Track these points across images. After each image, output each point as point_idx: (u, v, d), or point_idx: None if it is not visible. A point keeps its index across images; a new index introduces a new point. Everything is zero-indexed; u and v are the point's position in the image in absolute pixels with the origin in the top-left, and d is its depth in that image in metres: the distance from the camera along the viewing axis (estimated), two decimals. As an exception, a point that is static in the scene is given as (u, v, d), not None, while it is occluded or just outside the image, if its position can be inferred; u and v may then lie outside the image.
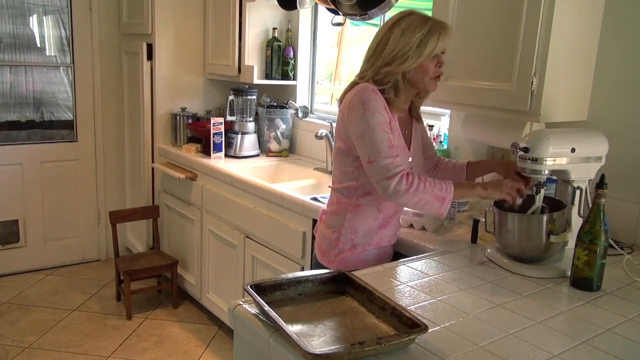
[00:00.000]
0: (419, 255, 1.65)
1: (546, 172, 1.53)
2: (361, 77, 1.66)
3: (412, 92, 1.68)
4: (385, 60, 1.59)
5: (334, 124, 2.88)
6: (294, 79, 3.28)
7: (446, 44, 1.60)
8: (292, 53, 3.23)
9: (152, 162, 3.51)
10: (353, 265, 1.70)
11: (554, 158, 1.52)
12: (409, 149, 1.74)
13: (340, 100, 1.72)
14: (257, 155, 3.26)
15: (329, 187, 1.82)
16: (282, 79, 3.27)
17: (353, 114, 1.60)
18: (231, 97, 3.25)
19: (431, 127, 2.40)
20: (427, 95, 1.74)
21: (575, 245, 1.42)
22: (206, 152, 3.20)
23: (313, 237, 1.87)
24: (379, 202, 1.70)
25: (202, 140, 3.28)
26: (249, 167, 3.05)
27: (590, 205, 1.41)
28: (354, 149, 1.65)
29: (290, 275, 1.29)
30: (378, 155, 1.56)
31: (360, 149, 1.61)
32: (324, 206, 1.84)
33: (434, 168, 1.90)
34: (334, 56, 4.09)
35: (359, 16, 2.57)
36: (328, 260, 1.76)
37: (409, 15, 1.60)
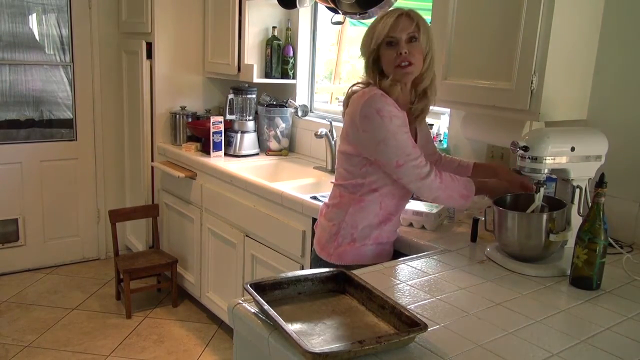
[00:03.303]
0: (419, 254, 1.65)
1: (546, 171, 1.53)
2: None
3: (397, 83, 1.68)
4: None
5: (334, 123, 2.90)
6: (294, 77, 3.27)
7: (387, 26, 1.60)
8: (291, 52, 3.23)
9: (152, 160, 3.51)
10: (351, 260, 1.71)
11: (554, 157, 1.52)
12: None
13: (346, 102, 1.72)
14: (257, 154, 3.26)
15: (332, 182, 1.83)
16: (282, 77, 3.26)
17: (368, 122, 1.60)
18: (231, 96, 3.25)
19: (431, 126, 2.40)
20: (426, 101, 1.74)
21: (575, 244, 1.42)
22: (206, 150, 3.19)
23: (313, 233, 1.88)
24: (382, 198, 1.70)
25: (201, 139, 3.28)
26: (248, 165, 3.05)
27: (590, 204, 1.41)
28: (364, 152, 1.66)
29: (290, 274, 1.29)
30: (407, 158, 1.59)
31: (384, 155, 1.61)
32: (326, 200, 1.85)
33: (436, 165, 1.90)
34: (333, 55, 4.08)
35: (359, 15, 2.57)
36: (327, 254, 1.76)
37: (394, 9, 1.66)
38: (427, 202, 1.88)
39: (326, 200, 1.86)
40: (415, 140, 1.76)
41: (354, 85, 1.72)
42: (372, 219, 1.72)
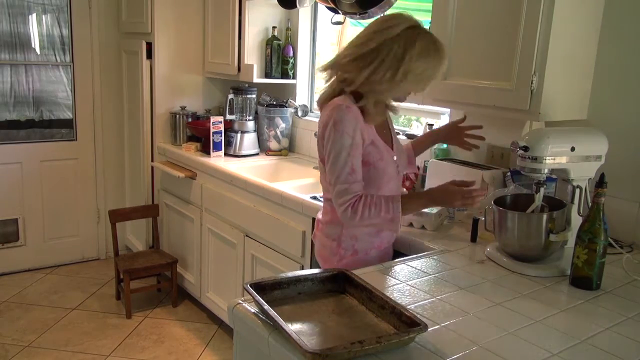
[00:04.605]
0: (419, 254, 1.65)
1: (546, 171, 1.53)
2: (348, 83, 1.58)
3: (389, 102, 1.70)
4: (384, 76, 1.52)
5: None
6: (294, 77, 3.28)
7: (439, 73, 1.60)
8: (291, 52, 3.23)
9: (152, 160, 3.51)
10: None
11: (554, 157, 1.52)
12: (392, 147, 1.73)
13: (320, 106, 1.69)
14: (257, 154, 3.26)
15: (320, 197, 1.81)
16: (282, 77, 3.26)
17: (327, 132, 1.58)
18: (231, 96, 3.25)
19: (431, 125, 2.40)
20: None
21: (575, 244, 1.42)
22: (206, 150, 3.19)
23: (313, 229, 1.87)
24: None
25: (201, 139, 3.28)
26: (248, 165, 3.05)
27: (590, 204, 1.41)
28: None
29: (290, 274, 1.29)
30: (337, 180, 1.58)
31: (328, 167, 1.60)
32: (319, 215, 1.81)
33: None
34: (333, 55, 4.08)
35: (359, 15, 2.57)
36: (331, 267, 1.75)
37: (425, 35, 1.53)
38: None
39: (319, 215, 1.82)
40: (391, 145, 1.73)
41: (328, 92, 1.65)
42: (369, 228, 1.72)
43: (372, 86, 1.55)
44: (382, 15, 1.69)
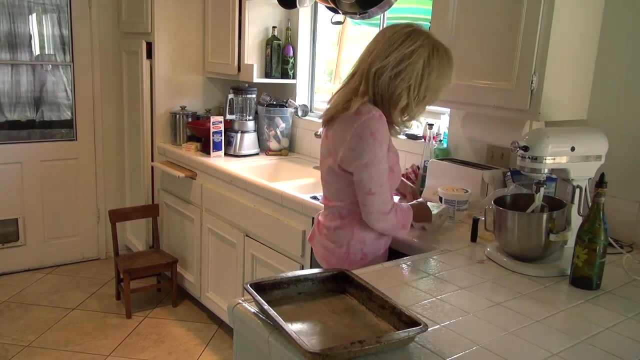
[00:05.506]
0: (419, 254, 1.65)
1: (546, 170, 1.53)
2: (362, 95, 1.58)
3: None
4: (407, 97, 1.57)
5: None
6: (294, 77, 3.28)
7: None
8: (291, 52, 3.23)
9: (152, 160, 3.51)
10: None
11: (554, 157, 1.52)
12: None
13: (330, 117, 1.66)
14: (257, 154, 3.26)
15: (322, 203, 1.79)
16: (282, 77, 3.26)
17: (360, 142, 1.56)
18: (231, 96, 3.25)
19: (431, 125, 2.40)
20: None
21: (575, 244, 1.42)
22: (206, 150, 3.20)
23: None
24: None
25: (201, 139, 3.28)
26: (248, 165, 3.05)
27: (590, 204, 1.41)
28: (347, 168, 1.62)
29: (290, 273, 1.29)
30: (380, 189, 1.59)
31: (361, 178, 1.59)
32: (322, 219, 1.79)
33: None
34: (334, 54, 4.09)
35: (359, 15, 2.57)
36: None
37: (445, 53, 1.58)
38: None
39: (320, 217, 1.81)
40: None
41: (341, 98, 1.63)
42: (376, 232, 1.71)
43: (387, 104, 1.60)
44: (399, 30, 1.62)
